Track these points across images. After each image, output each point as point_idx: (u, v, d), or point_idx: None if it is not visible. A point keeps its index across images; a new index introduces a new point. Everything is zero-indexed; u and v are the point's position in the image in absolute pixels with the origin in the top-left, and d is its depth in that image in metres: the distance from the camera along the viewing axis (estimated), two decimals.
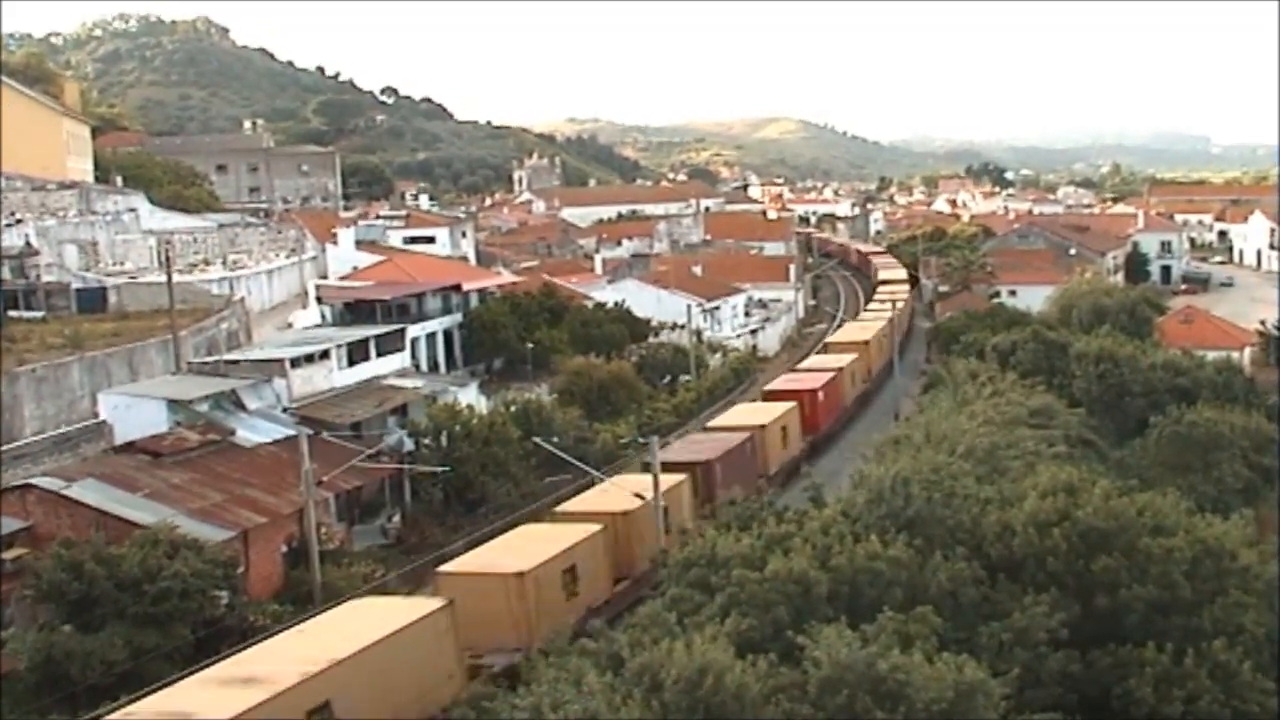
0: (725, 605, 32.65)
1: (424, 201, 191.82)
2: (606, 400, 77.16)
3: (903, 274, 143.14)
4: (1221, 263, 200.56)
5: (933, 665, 28.00)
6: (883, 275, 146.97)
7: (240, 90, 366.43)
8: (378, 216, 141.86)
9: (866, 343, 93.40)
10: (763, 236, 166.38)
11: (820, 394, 74.80)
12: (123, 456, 50.41)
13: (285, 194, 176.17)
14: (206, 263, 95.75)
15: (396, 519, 57.55)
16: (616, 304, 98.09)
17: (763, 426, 64.57)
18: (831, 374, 79.47)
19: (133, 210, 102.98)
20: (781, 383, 78.49)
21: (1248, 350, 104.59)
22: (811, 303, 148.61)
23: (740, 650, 28.92)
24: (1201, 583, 34.86)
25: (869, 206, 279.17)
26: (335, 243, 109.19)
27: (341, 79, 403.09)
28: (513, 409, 66.52)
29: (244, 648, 35.75)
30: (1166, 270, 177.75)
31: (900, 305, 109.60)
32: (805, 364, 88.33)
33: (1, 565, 41.83)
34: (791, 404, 70.48)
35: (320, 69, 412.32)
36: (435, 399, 64.76)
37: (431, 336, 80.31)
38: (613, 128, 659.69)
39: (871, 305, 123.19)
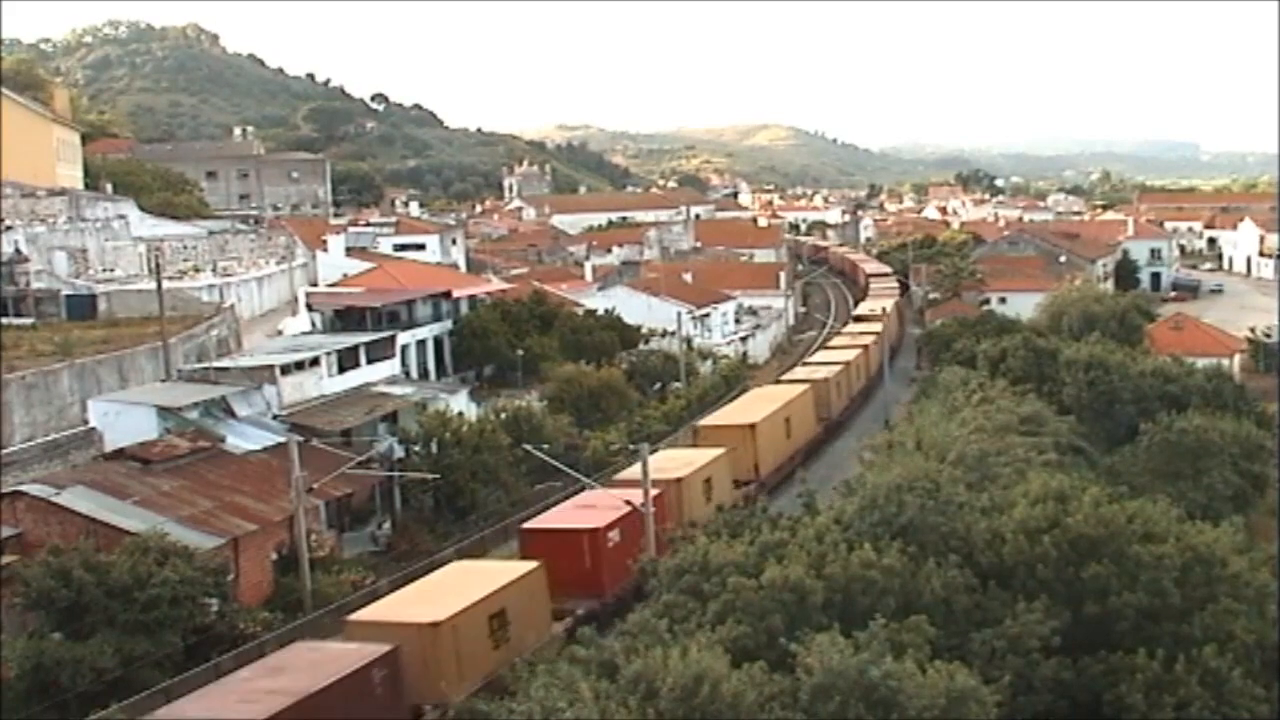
0: (719, 612, 32.61)
1: (414, 208, 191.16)
2: (597, 407, 77.10)
3: (884, 305, 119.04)
4: (1211, 270, 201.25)
5: (925, 673, 28.00)
6: (860, 309, 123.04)
7: (230, 97, 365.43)
8: (368, 223, 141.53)
9: (752, 427, 65.62)
10: (753, 244, 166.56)
11: (610, 535, 47.33)
12: (112, 463, 50.31)
13: (275, 201, 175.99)
14: (196, 270, 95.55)
15: (387, 526, 57.53)
16: (607, 311, 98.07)
17: (433, 625, 37.28)
18: (653, 493, 48.54)
19: (122, 217, 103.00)
20: (553, 518, 50.16)
21: (1238, 357, 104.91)
22: (802, 309, 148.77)
23: (733, 658, 28.91)
24: (1192, 590, 34.93)
25: (859, 213, 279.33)
26: (325, 249, 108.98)
27: (331, 85, 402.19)
28: (503, 416, 66.51)
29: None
30: (1156, 277, 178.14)
31: (861, 352, 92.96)
32: (646, 465, 49.57)
33: None
34: (528, 568, 42.61)
35: (310, 75, 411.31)
36: (425, 406, 64.70)
37: (422, 343, 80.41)
38: (603, 134, 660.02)
39: (828, 349, 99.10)
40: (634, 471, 52.38)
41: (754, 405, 72.12)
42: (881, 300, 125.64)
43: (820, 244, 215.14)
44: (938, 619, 32.78)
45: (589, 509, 49.48)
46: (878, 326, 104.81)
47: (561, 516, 49.89)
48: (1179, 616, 34.20)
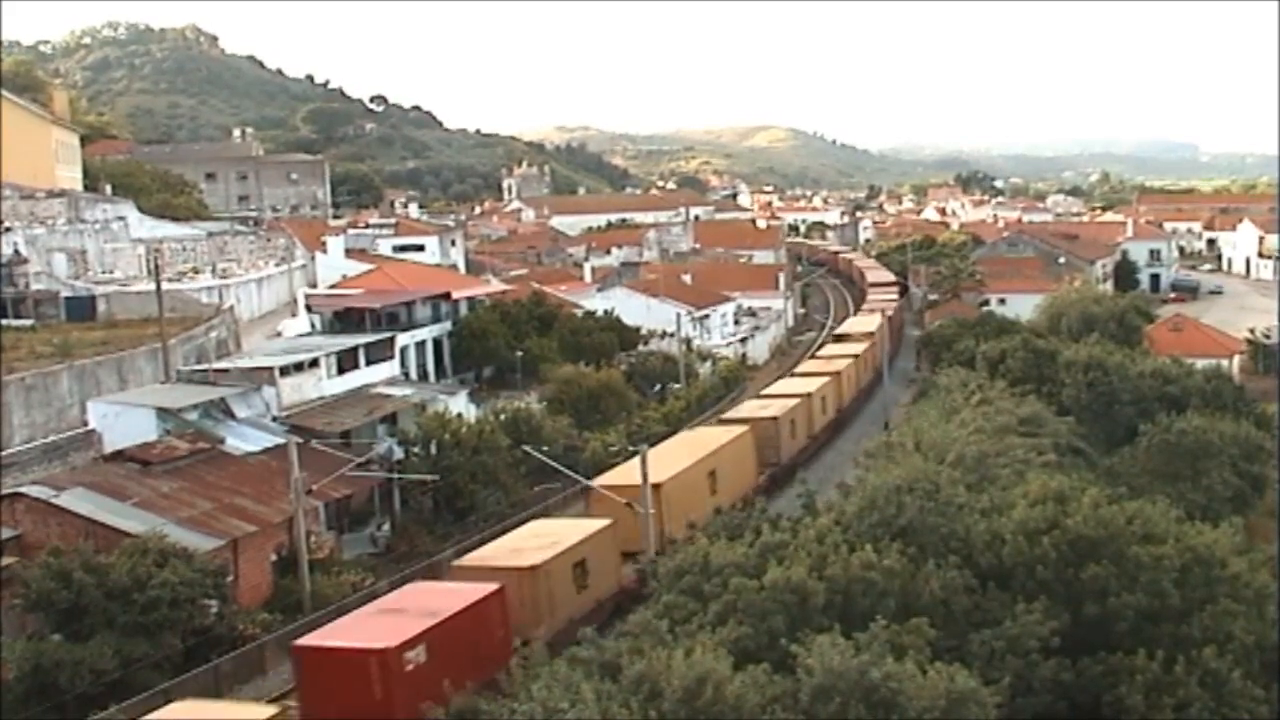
0: (721, 613, 32.60)
1: (413, 210, 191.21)
2: (596, 409, 77.04)
3: (875, 321, 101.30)
4: (1210, 271, 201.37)
5: (925, 675, 28.01)
6: (844, 327, 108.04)
7: (229, 98, 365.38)
8: (367, 225, 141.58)
9: (657, 488, 49.08)
10: (752, 245, 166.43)
11: (408, 655, 33.37)
12: (112, 465, 50.29)
13: (274, 202, 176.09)
14: (196, 271, 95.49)
15: (386, 527, 57.50)
16: (606, 312, 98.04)
17: None
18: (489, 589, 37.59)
19: (122, 218, 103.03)
20: (338, 632, 35.53)
21: (1237, 358, 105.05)
22: (800, 310, 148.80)
23: (735, 659, 28.90)
24: (1191, 590, 34.95)
25: (858, 214, 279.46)
26: (324, 251, 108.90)
27: (331, 87, 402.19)
28: (502, 417, 66.49)
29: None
30: (1155, 278, 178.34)
31: (831, 379, 78.59)
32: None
33: None
34: (265, 715, 31.93)
35: (309, 77, 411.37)
36: (425, 407, 64.69)
37: (421, 345, 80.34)
38: (602, 136, 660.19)
39: (793, 376, 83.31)
40: (482, 555, 43.34)
41: (670, 455, 55.89)
42: (874, 311, 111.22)
43: (824, 246, 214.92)
44: (937, 620, 32.79)
45: (394, 615, 35.95)
46: (858, 348, 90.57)
47: (349, 630, 35.56)
48: (1178, 617, 34.21)
